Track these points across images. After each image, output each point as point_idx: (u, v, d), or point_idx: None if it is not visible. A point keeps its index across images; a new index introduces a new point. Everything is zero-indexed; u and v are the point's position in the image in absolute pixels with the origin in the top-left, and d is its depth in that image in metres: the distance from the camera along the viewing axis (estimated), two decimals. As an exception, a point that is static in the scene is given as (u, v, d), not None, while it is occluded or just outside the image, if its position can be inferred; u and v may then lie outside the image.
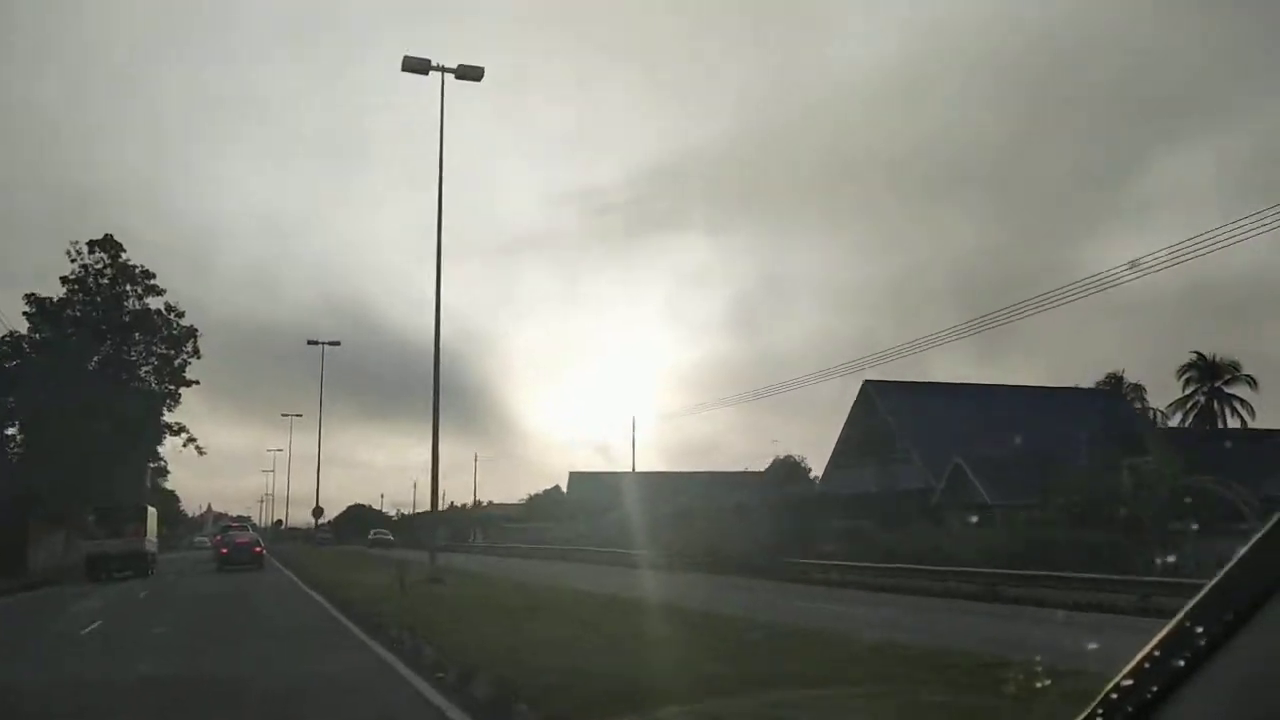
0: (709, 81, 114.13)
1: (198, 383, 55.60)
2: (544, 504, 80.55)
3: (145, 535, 38.62)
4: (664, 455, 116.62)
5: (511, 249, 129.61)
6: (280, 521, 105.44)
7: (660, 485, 55.02)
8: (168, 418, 54.54)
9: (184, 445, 56.39)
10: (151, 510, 41.84)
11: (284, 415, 74.53)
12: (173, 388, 53.82)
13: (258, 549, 43.54)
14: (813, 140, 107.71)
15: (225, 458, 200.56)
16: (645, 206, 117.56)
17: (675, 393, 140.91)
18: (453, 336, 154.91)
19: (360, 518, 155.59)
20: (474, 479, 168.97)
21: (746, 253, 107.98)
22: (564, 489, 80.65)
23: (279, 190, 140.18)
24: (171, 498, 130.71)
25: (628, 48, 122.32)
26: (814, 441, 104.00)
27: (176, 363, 53.09)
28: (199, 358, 53.82)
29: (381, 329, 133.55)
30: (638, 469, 60.45)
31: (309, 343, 56.08)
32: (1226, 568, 1.19)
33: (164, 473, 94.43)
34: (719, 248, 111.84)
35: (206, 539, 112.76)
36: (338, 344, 56.34)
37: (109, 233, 52.25)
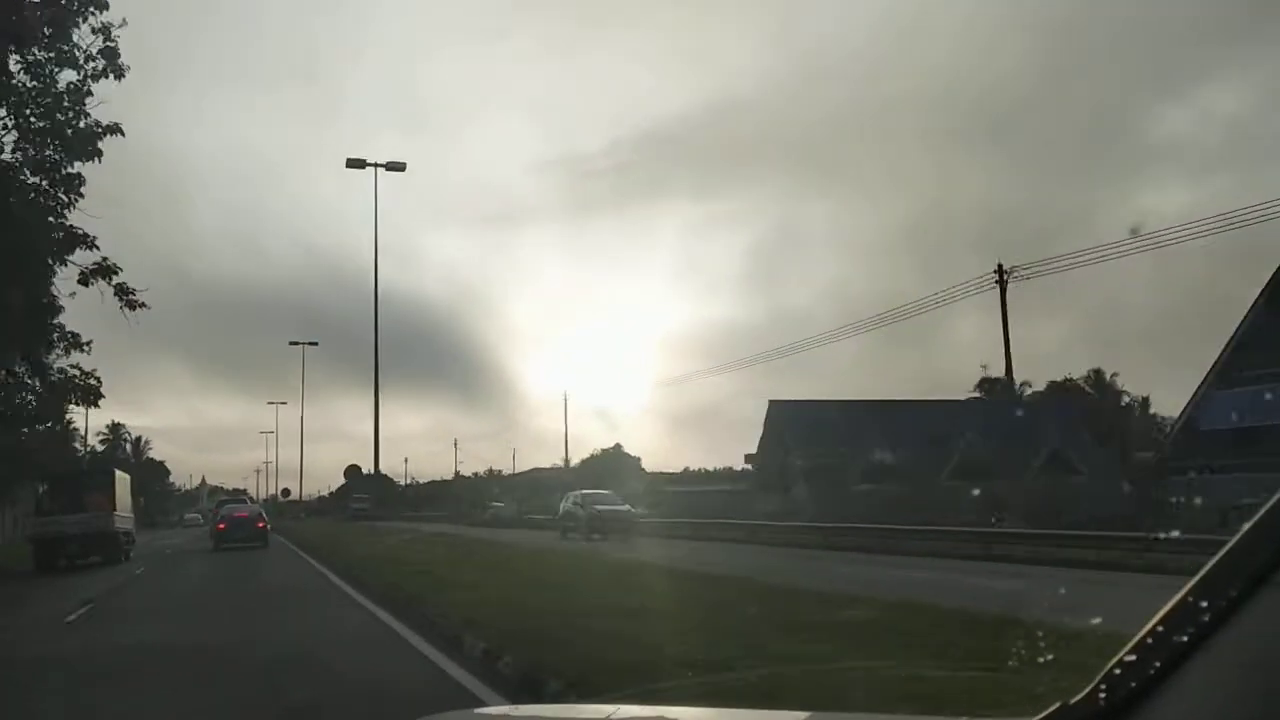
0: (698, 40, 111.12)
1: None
2: (601, 464, 71.13)
3: (113, 508, 28.74)
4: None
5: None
6: (286, 491, 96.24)
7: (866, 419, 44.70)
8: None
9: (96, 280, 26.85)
10: (122, 476, 31.89)
11: (270, 403, 72.03)
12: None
13: (261, 524, 36.68)
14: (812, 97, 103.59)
15: (218, 432, 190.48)
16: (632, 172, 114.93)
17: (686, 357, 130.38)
18: (454, 298, 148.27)
19: (360, 485, 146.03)
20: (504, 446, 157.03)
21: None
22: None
23: (255, 129, 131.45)
24: (160, 470, 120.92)
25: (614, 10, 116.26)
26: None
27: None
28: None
29: (370, 287, 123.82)
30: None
31: (291, 343, 56.89)
32: (1232, 541, 1.16)
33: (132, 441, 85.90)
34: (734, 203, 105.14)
35: (199, 515, 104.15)
36: (315, 344, 57.29)
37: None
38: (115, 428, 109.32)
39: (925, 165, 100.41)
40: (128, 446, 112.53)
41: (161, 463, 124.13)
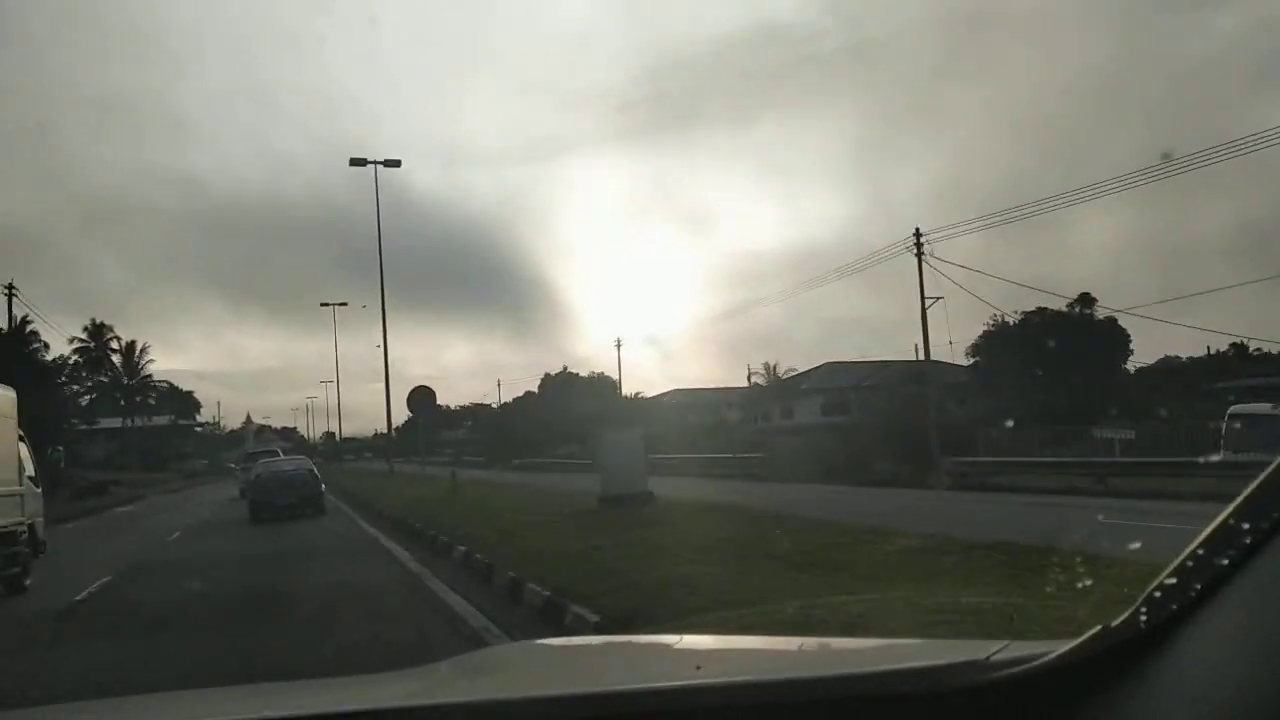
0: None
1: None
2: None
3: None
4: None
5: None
6: (331, 435, 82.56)
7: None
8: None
9: None
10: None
11: (324, 305, 57.99)
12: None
13: (313, 484, 24.47)
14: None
15: (259, 371, 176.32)
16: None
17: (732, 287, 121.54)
18: (498, 221, 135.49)
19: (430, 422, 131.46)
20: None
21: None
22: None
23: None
24: (187, 400, 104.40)
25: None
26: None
27: None
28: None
29: (411, 195, 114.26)
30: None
31: (322, 305, 58.55)
32: (1273, 464, 1.14)
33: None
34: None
35: (239, 465, 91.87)
36: (344, 305, 58.92)
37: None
38: (97, 329, 78.86)
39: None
40: (115, 359, 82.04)
41: (190, 393, 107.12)
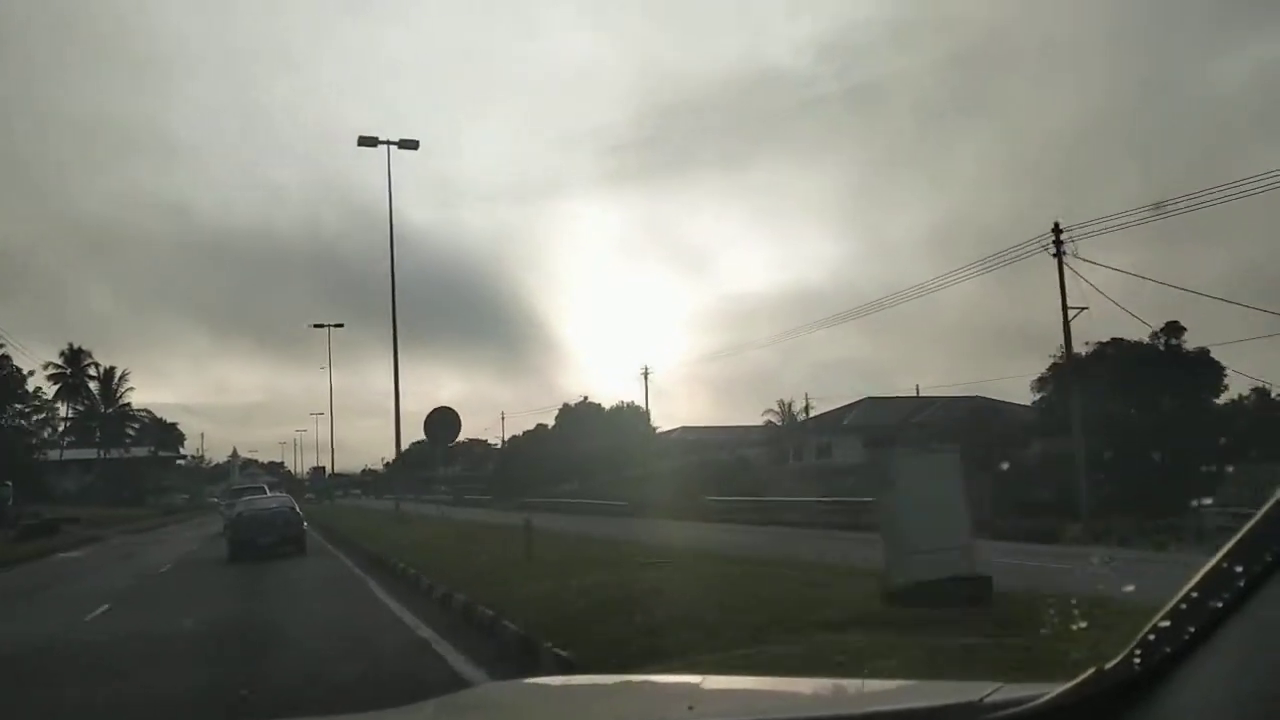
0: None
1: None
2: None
3: None
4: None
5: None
6: (322, 469, 77.24)
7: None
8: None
9: None
10: None
11: (317, 326, 55.66)
12: None
13: (295, 523, 23.57)
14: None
15: (245, 406, 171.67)
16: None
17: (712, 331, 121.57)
18: (492, 261, 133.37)
19: (421, 459, 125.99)
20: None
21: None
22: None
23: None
24: (170, 432, 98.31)
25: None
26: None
27: None
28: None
29: (400, 228, 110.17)
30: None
31: (314, 326, 55.67)
32: (1265, 507, 1.15)
33: None
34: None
35: (222, 501, 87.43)
36: (341, 326, 55.58)
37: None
38: (74, 355, 74.70)
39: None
40: (92, 385, 77.47)
41: (173, 425, 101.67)
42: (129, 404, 78.72)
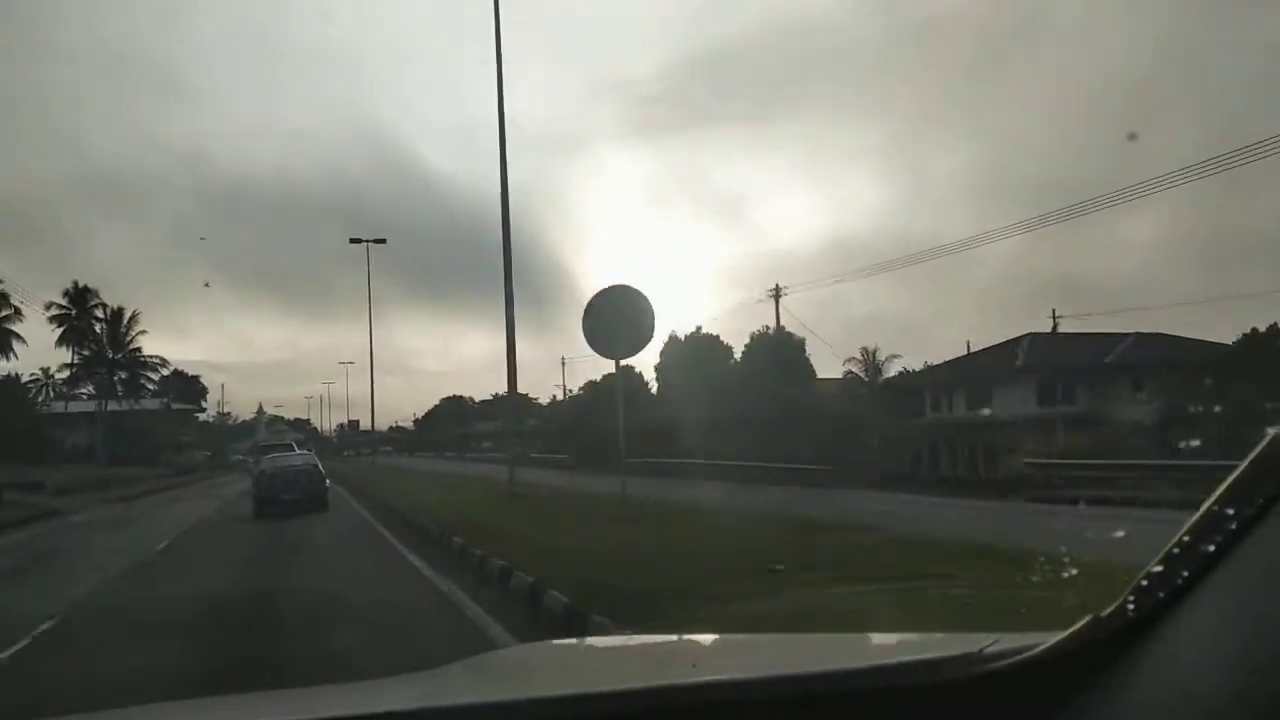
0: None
1: None
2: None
3: None
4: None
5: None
6: (356, 423, 69.17)
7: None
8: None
9: None
10: None
11: (340, 363, 55.24)
12: None
13: (318, 480, 24.19)
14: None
15: (270, 362, 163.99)
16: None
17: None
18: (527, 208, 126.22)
19: (456, 414, 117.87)
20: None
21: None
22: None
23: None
24: (191, 385, 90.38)
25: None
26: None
27: None
28: None
29: (428, 176, 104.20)
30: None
31: (353, 241, 45.81)
32: (1255, 451, 1.15)
33: None
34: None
35: (249, 458, 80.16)
36: (383, 241, 46.63)
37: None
38: (80, 294, 65.44)
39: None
40: (97, 327, 67.08)
41: (196, 378, 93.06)
42: (139, 349, 69.36)
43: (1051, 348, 40.61)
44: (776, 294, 42.04)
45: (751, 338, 45.11)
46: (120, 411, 68.34)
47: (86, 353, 68.50)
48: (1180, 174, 27.05)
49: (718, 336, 46.87)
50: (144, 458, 63.90)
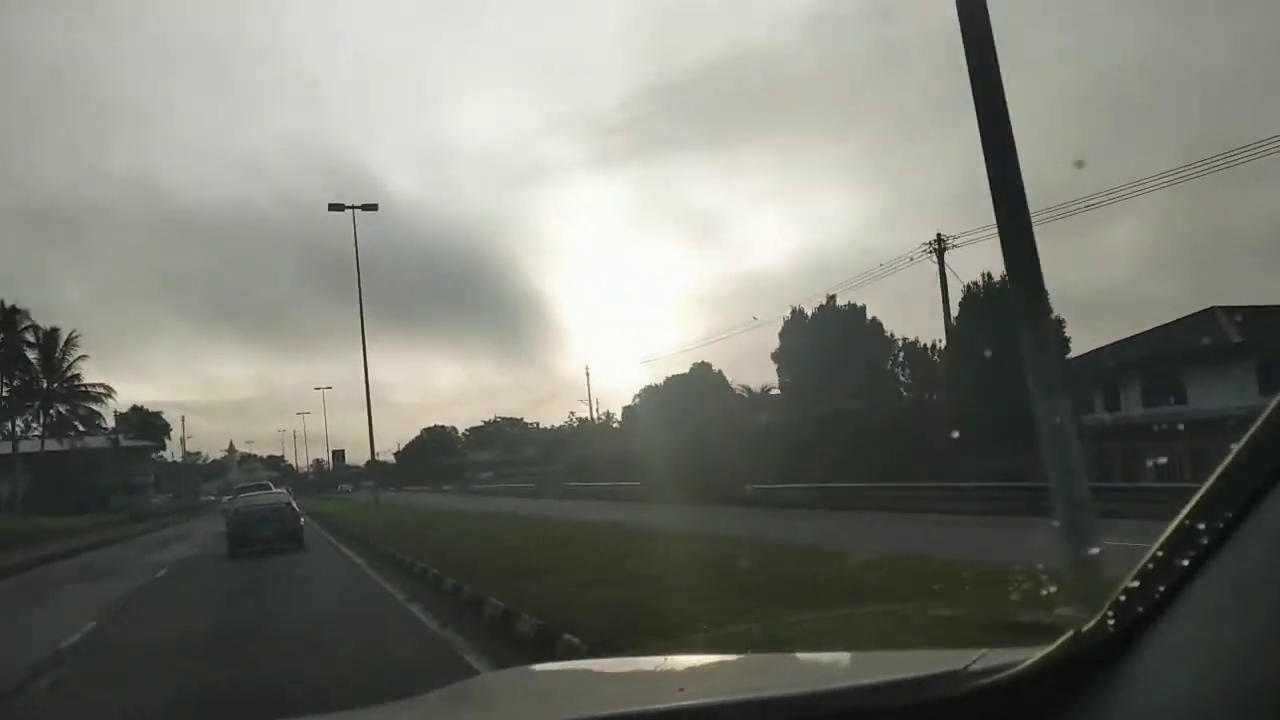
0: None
1: None
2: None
3: None
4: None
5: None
6: (340, 454, 60.72)
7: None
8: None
9: None
10: None
11: (316, 389, 49.70)
12: None
13: (292, 518, 24.19)
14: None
15: (238, 400, 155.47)
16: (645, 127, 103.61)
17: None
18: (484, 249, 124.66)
19: (442, 444, 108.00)
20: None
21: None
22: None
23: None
24: (156, 425, 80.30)
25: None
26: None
27: None
28: None
29: (392, 212, 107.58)
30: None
31: (330, 207, 36.36)
32: (1226, 461, 1.13)
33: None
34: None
35: (215, 497, 72.92)
36: (375, 208, 37.25)
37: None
38: (9, 314, 54.79)
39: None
40: (29, 354, 57.01)
41: (157, 414, 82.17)
42: (78, 375, 58.69)
43: (1245, 323, 31.17)
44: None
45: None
46: (59, 452, 57.69)
47: (17, 383, 57.87)
48: None
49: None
50: (87, 503, 53.23)
